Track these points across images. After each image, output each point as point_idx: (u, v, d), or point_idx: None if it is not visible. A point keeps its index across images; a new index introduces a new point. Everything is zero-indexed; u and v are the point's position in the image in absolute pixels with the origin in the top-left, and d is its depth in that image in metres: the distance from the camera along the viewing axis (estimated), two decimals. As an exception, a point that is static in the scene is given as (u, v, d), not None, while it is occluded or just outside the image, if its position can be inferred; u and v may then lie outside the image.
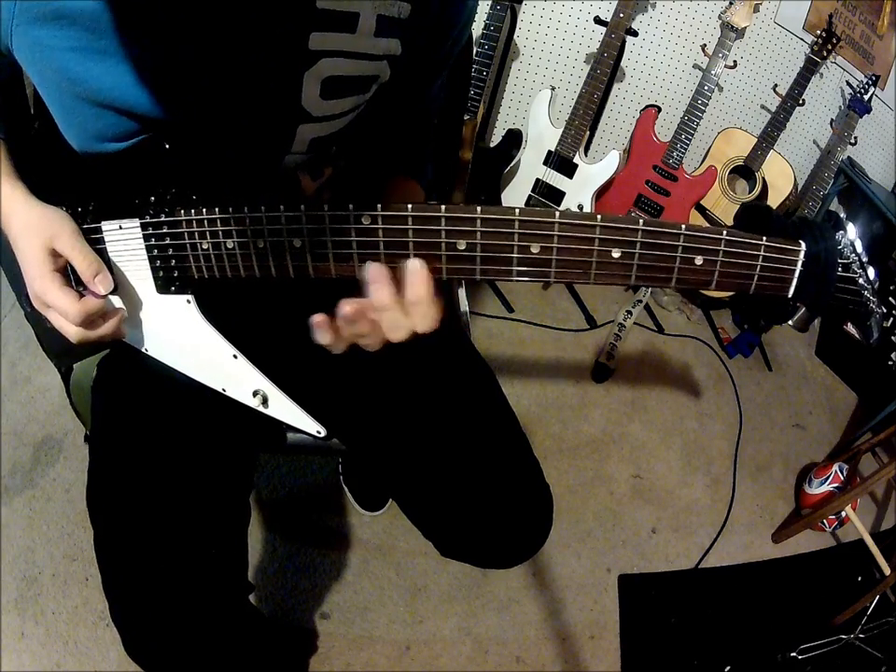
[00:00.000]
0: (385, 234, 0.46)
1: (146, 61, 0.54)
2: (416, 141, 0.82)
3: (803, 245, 0.41)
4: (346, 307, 0.50)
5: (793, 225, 0.41)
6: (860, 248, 0.40)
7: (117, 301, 0.65)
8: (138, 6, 0.50)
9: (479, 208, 0.43)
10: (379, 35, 0.60)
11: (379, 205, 0.46)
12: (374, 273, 0.49)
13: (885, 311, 0.39)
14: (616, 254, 0.41)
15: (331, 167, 0.74)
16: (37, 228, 0.58)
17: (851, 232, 0.40)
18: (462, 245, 0.44)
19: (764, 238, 0.41)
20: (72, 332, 0.60)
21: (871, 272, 0.40)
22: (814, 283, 0.40)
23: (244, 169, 0.64)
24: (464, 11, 0.69)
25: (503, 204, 2.02)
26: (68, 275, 0.61)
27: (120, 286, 0.63)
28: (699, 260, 0.41)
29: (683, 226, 0.40)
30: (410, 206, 0.45)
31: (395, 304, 0.50)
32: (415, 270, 0.47)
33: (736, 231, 0.40)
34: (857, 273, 0.40)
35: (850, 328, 0.44)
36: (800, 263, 0.41)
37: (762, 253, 0.40)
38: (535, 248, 0.43)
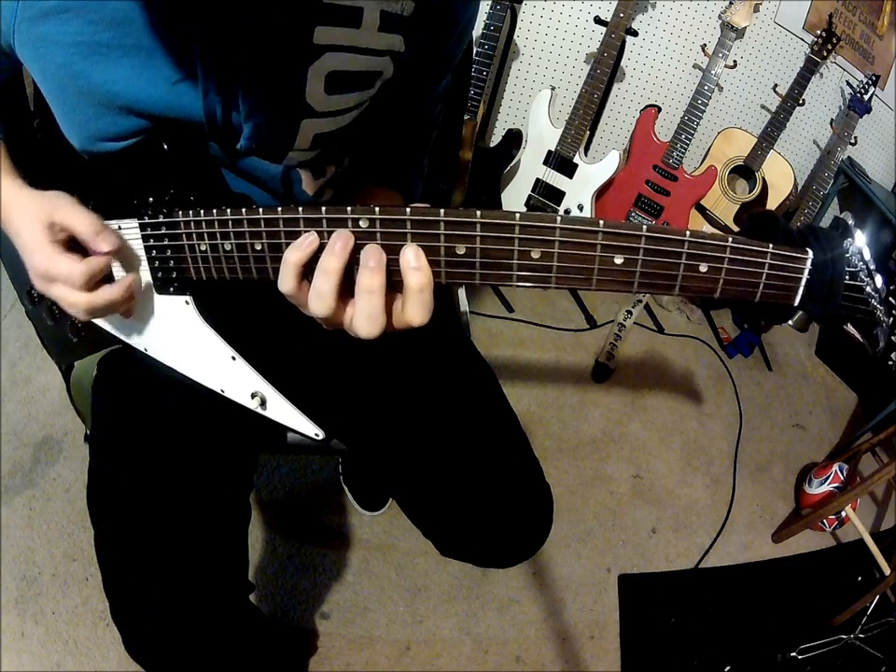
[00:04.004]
0: (382, 238, 0.46)
1: (148, 54, 0.53)
2: (411, 151, 0.82)
3: (810, 253, 0.40)
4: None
5: (800, 233, 0.40)
6: (867, 256, 0.39)
7: None
8: None
9: (478, 212, 0.42)
10: (383, 31, 0.61)
11: (377, 208, 0.45)
12: (374, 257, 0.45)
13: (891, 320, 0.39)
14: (619, 260, 0.40)
15: (335, 166, 0.74)
16: (36, 211, 0.56)
17: (859, 240, 0.39)
18: (461, 249, 0.44)
19: (770, 246, 0.39)
20: (81, 302, 0.56)
21: (878, 280, 0.39)
22: (820, 292, 0.39)
23: (246, 165, 0.64)
24: (466, 11, 0.69)
25: (503, 204, 2.02)
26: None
27: None
28: (704, 268, 0.40)
29: (688, 232, 0.39)
30: (409, 210, 0.44)
31: (381, 292, 0.46)
32: (409, 259, 0.44)
33: (742, 239, 0.39)
34: (864, 282, 0.39)
35: (851, 328, 0.43)
36: (806, 272, 0.40)
37: (767, 261, 0.40)
38: (535, 254, 0.42)
